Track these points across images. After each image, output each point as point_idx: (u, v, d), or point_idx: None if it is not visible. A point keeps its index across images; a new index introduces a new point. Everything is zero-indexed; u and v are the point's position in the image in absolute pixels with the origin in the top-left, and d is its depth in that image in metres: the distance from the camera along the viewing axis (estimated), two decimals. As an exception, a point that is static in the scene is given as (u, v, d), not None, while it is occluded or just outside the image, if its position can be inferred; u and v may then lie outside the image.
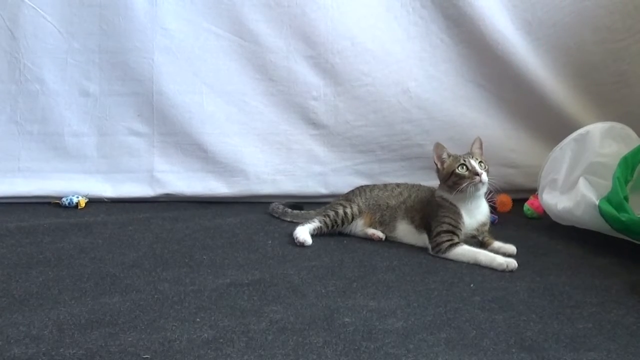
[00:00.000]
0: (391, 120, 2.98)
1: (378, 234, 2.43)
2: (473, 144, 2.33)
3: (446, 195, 2.28)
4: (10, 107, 2.88)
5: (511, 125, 3.03)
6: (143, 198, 2.92)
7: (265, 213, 2.75)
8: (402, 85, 2.96)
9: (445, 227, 2.23)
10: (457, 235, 2.23)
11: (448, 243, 2.20)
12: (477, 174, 2.20)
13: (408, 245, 2.37)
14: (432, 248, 2.24)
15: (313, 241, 2.37)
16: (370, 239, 2.43)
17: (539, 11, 2.94)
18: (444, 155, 2.30)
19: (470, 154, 2.28)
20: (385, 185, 2.55)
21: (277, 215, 2.69)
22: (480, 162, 2.25)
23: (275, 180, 2.97)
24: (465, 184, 2.21)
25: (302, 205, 2.79)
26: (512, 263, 2.11)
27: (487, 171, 2.25)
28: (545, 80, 2.96)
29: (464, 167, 2.23)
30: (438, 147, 2.32)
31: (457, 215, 2.24)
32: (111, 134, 2.93)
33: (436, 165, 2.32)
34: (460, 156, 2.27)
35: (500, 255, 2.14)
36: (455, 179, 2.23)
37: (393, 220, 2.41)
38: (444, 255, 2.21)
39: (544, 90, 2.96)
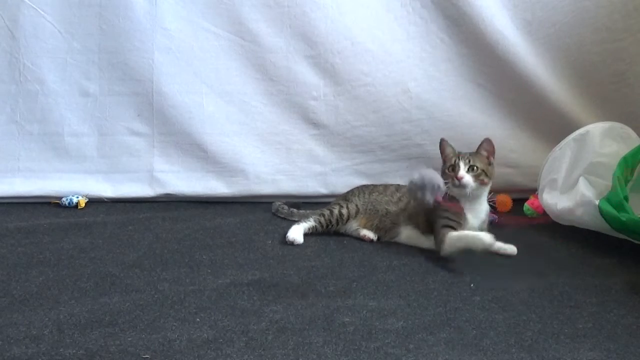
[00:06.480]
0: (391, 120, 2.97)
1: (369, 235, 2.43)
2: (481, 144, 2.35)
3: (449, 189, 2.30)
4: (10, 107, 2.88)
5: (511, 125, 3.03)
6: (143, 198, 2.92)
7: (266, 213, 2.75)
8: (402, 85, 2.96)
9: (444, 222, 2.23)
10: (455, 229, 2.22)
11: (444, 237, 2.17)
12: (457, 178, 2.25)
13: (408, 245, 2.37)
14: (437, 247, 2.21)
15: (313, 241, 2.38)
16: (373, 239, 2.43)
17: (539, 11, 2.93)
18: (447, 150, 2.35)
19: (473, 155, 2.32)
20: (385, 188, 2.54)
21: (282, 216, 2.69)
22: (472, 165, 2.27)
23: (275, 180, 2.97)
24: (449, 184, 2.27)
25: (300, 204, 2.80)
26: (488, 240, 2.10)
27: (479, 176, 2.27)
28: (545, 80, 2.96)
29: (452, 168, 2.29)
30: (441, 144, 2.37)
31: (459, 215, 2.24)
32: (111, 134, 2.93)
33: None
34: (458, 155, 2.32)
35: (484, 234, 2.13)
36: (444, 176, 2.30)
37: (395, 226, 2.41)
38: (442, 250, 2.16)
39: (544, 90, 2.96)
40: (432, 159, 2.98)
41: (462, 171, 2.25)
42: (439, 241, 2.20)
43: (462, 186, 2.25)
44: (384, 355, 1.54)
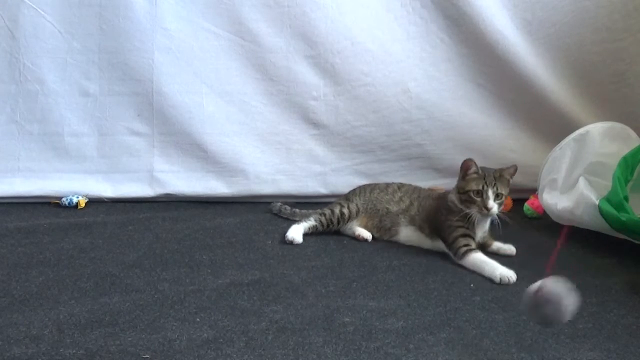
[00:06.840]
0: (391, 120, 2.97)
1: (364, 235, 2.43)
2: (507, 168, 2.27)
3: (458, 203, 2.25)
4: (10, 107, 2.87)
5: (511, 125, 3.03)
6: (143, 198, 2.91)
7: (266, 213, 2.75)
8: (402, 85, 2.96)
9: (460, 231, 2.21)
10: (473, 239, 2.22)
11: (465, 249, 2.17)
12: (487, 208, 2.19)
13: (408, 245, 2.37)
14: (454, 255, 2.21)
15: (313, 241, 2.37)
16: (367, 239, 2.42)
17: (539, 11, 2.94)
18: (472, 170, 2.25)
19: (497, 179, 2.23)
20: (387, 186, 2.54)
21: (285, 216, 2.68)
22: (499, 193, 2.21)
23: (275, 180, 2.97)
24: (472, 210, 2.21)
25: (294, 205, 2.79)
26: (510, 277, 2.03)
27: (502, 203, 2.23)
28: (545, 80, 2.96)
29: (480, 194, 2.21)
30: (468, 162, 2.26)
31: (469, 221, 2.22)
32: (111, 134, 2.93)
33: (460, 172, 2.28)
34: (485, 180, 2.21)
35: (502, 268, 2.07)
36: (466, 198, 2.22)
37: (395, 226, 2.40)
38: (460, 262, 2.17)
39: (544, 90, 2.96)
40: (431, 158, 2.99)
41: (492, 201, 2.19)
42: (457, 250, 2.18)
43: (489, 215, 2.22)
44: (384, 355, 1.54)
